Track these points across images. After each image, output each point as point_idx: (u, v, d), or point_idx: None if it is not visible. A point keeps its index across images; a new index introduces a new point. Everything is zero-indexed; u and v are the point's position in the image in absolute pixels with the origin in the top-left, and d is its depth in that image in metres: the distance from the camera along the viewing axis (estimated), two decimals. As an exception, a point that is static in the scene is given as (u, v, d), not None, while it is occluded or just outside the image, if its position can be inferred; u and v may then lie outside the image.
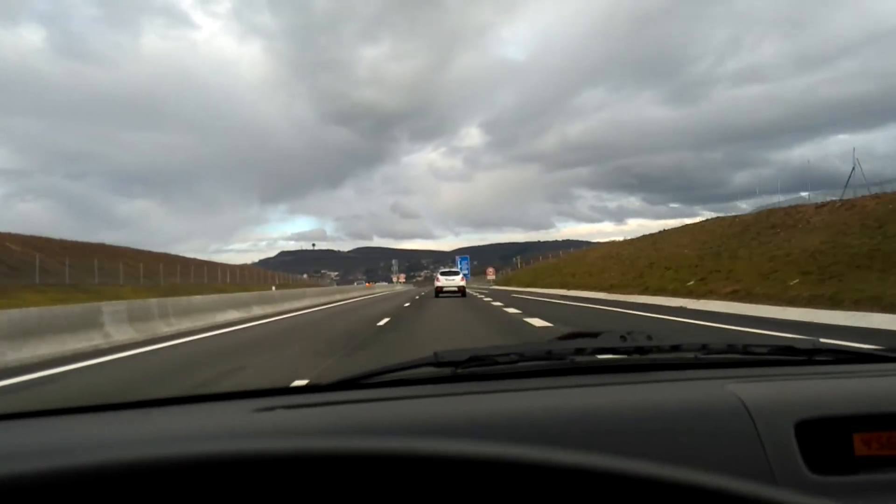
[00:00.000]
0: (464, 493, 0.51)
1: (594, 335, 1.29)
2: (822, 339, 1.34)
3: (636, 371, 1.20)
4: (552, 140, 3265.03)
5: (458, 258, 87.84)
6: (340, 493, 0.51)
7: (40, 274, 37.26)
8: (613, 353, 1.24)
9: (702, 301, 17.47)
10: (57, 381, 6.17)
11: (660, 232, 39.28)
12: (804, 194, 30.31)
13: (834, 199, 25.30)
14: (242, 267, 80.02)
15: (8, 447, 0.95)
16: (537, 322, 12.12)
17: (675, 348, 1.24)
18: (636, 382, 1.12)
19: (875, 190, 24.45)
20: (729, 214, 32.71)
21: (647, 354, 1.23)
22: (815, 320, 11.33)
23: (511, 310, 16.57)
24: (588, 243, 71.26)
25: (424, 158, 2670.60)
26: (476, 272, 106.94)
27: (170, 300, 12.13)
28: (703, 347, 1.24)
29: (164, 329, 10.97)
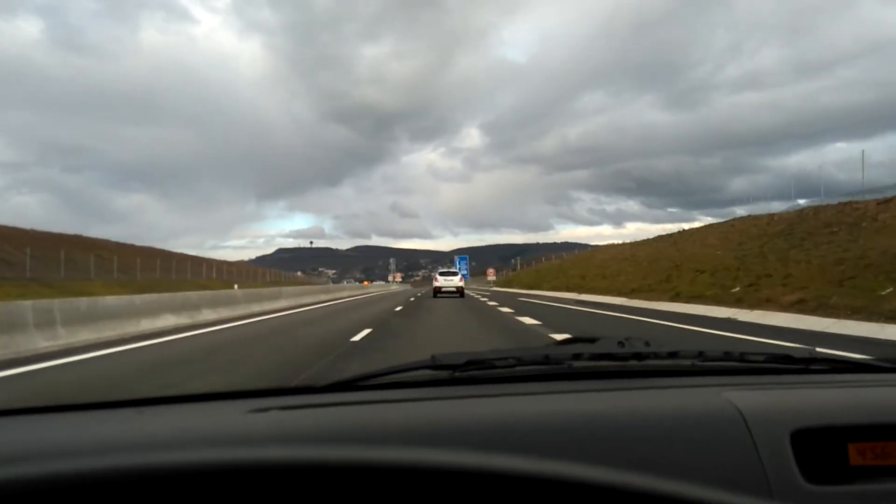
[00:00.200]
0: (459, 502, 0.51)
1: (592, 340, 1.29)
2: (818, 349, 1.33)
3: (633, 377, 1.21)
4: (552, 142, 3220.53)
5: (456, 258, 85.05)
6: (337, 500, 0.51)
7: (1, 266, 34.00)
8: (611, 359, 1.23)
9: (757, 312, 14.21)
10: None
11: (679, 232, 35.94)
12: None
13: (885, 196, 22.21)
14: (230, 263, 76.52)
15: None
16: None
17: (673, 355, 1.25)
18: (633, 389, 1.12)
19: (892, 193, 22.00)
20: (764, 213, 29.48)
21: (645, 361, 1.23)
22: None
23: (527, 319, 13.37)
24: (587, 246, 68.99)
25: (424, 158, 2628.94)
26: (474, 273, 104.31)
27: (61, 301, 8.80)
28: (700, 355, 1.25)
29: (42, 344, 7.67)
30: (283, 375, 5.90)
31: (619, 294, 24.27)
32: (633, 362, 1.22)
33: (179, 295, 12.81)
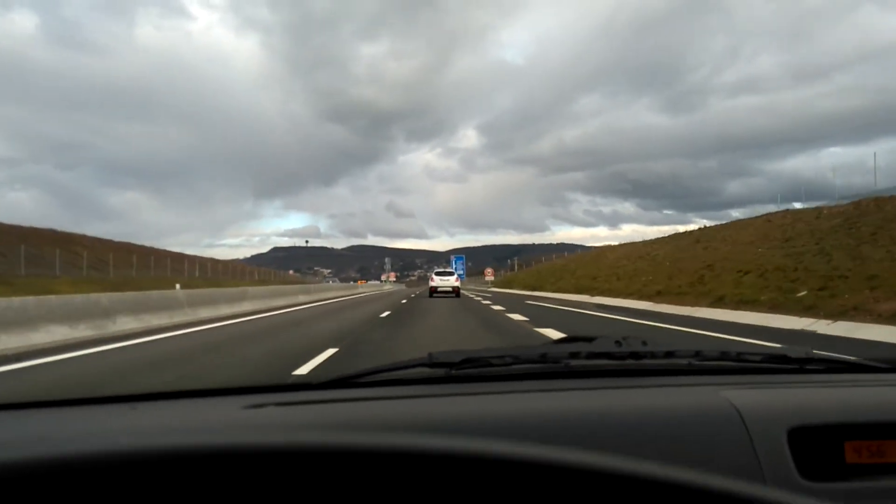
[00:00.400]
0: (455, 491, 0.50)
1: (589, 339, 1.29)
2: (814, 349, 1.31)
3: (630, 376, 1.20)
4: (548, 144, 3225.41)
5: (453, 258, 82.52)
6: (331, 490, 0.51)
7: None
8: (608, 358, 1.22)
9: (843, 325, 10.96)
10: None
11: (702, 228, 32.62)
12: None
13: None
14: (215, 261, 72.93)
15: None
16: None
17: (670, 354, 1.24)
18: (630, 387, 1.12)
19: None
20: (808, 206, 26.35)
21: (642, 360, 1.22)
22: None
23: (550, 332, 10.10)
24: (582, 247, 66.28)
25: (421, 158, 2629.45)
26: (470, 273, 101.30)
27: None
28: (697, 354, 1.24)
29: None
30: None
31: (642, 297, 21.05)
32: (630, 361, 1.21)
33: (79, 298, 9.44)
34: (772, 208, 30.52)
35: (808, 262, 16.60)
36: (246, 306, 16.21)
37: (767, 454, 0.86)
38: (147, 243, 66.35)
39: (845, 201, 24.08)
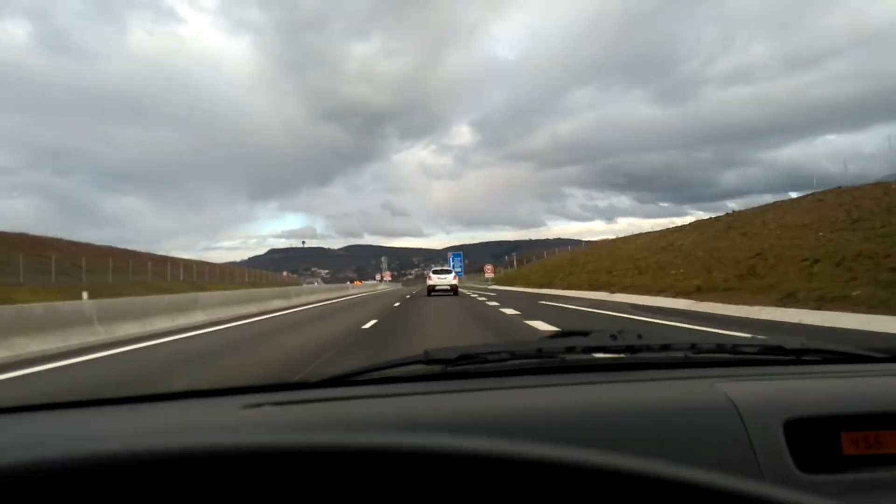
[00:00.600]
0: (454, 490, 0.50)
1: (585, 334, 1.27)
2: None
3: (626, 370, 1.19)
4: (542, 139, 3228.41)
5: (450, 255, 79.62)
6: (329, 489, 0.51)
7: None
8: (604, 352, 1.22)
9: None
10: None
11: (732, 213, 29.15)
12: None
13: None
14: (200, 263, 69.42)
15: None
16: None
17: (665, 348, 1.24)
18: (626, 381, 1.11)
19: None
20: (865, 182, 22.89)
21: (638, 353, 1.22)
22: None
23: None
24: (579, 242, 63.45)
25: (415, 156, 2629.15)
26: (468, 270, 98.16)
27: None
28: (693, 347, 1.24)
29: None
30: None
31: (677, 294, 17.78)
32: (625, 355, 1.21)
33: None
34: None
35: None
36: (198, 317, 12.88)
37: (764, 447, 0.86)
38: (130, 247, 62.80)
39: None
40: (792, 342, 1.25)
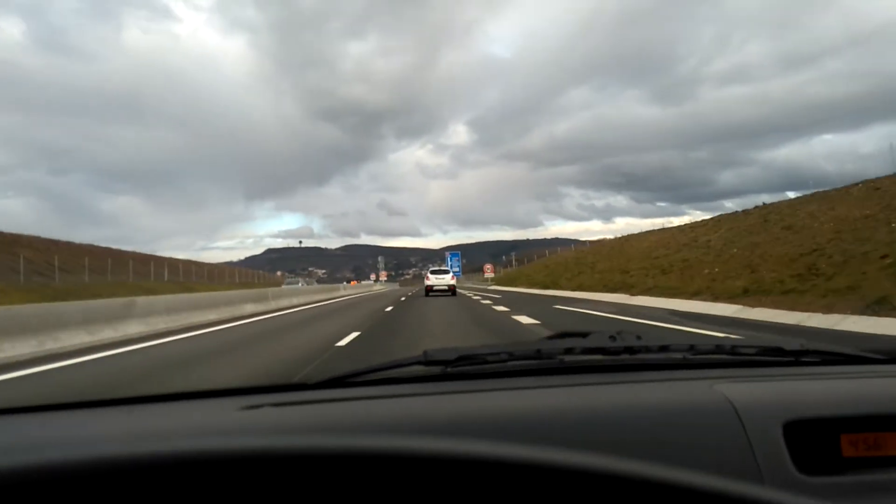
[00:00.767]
0: (452, 492, 0.51)
1: (583, 335, 1.27)
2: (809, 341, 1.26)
3: (625, 371, 1.19)
4: (539, 138, 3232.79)
5: (448, 255, 77.04)
6: (328, 492, 0.51)
7: None
8: (602, 353, 1.21)
9: None
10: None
11: (764, 206, 26.15)
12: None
13: None
14: (185, 262, 66.49)
15: None
16: None
17: (664, 349, 1.23)
18: (625, 382, 1.11)
19: None
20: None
21: (636, 355, 1.21)
22: None
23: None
24: (577, 241, 61.04)
25: (412, 156, 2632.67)
26: (465, 270, 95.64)
27: None
28: (692, 348, 1.23)
29: None
30: None
31: (716, 297, 15.05)
32: (624, 356, 1.20)
33: None
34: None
35: None
36: (132, 328, 10.13)
37: (763, 449, 0.85)
38: (115, 246, 59.83)
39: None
40: (791, 343, 1.25)
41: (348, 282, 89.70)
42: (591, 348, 1.21)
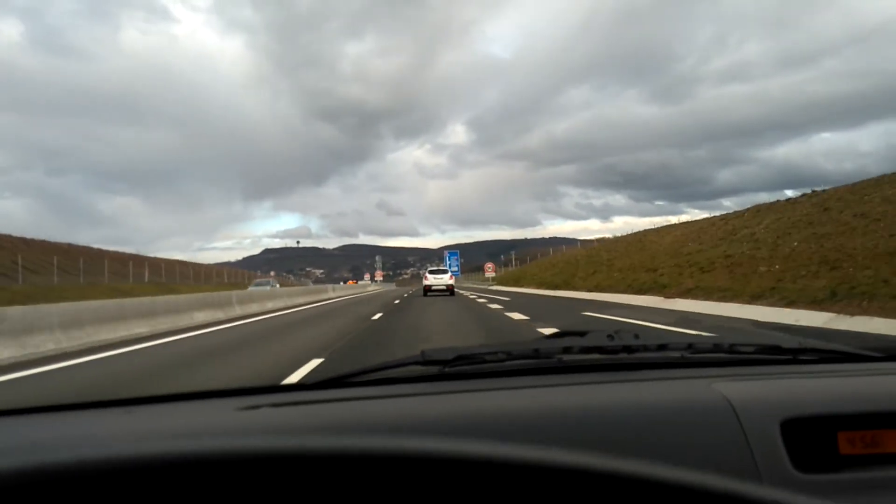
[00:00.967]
0: (450, 492, 0.51)
1: (581, 334, 1.27)
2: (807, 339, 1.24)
3: (623, 370, 1.19)
4: (537, 138, 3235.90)
5: (447, 253, 74.07)
6: (327, 492, 0.51)
7: None
8: (601, 352, 1.21)
9: None
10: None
11: (817, 193, 22.55)
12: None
13: None
14: (170, 261, 63.04)
15: None
16: None
17: (662, 347, 1.23)
18: (623, 381, 1.11)
19: None
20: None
21: (634, 353, 1.21)
22: None
23: None
24: (575, 241, 58.09)
25: (410, 156, 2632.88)
26: (464, 270, 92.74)
27: None
28: (690, 347, 1.23)
29: None
30: None
31: (791, 302, 11.79)
32: (622, 355, 1.20)
33: None
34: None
35: None
36: (91, 336, 6.82)
37: (761, 447, 0.85)
38: (95, 245, 56.37)
39: None
40: (789, 341, 1.25)
41: (346, 281, 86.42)
42: (590, 347, 1.21)
